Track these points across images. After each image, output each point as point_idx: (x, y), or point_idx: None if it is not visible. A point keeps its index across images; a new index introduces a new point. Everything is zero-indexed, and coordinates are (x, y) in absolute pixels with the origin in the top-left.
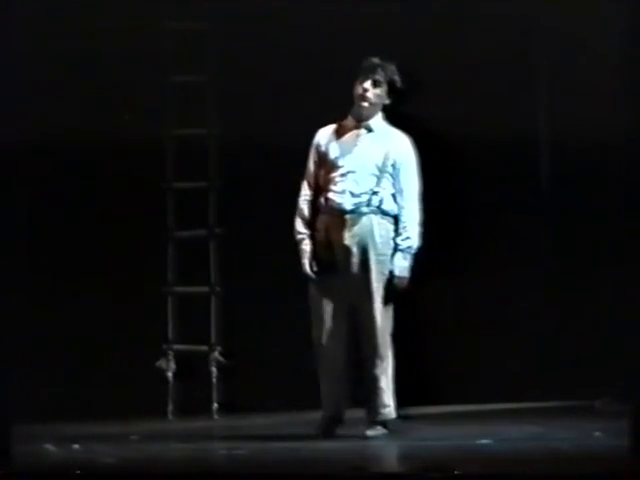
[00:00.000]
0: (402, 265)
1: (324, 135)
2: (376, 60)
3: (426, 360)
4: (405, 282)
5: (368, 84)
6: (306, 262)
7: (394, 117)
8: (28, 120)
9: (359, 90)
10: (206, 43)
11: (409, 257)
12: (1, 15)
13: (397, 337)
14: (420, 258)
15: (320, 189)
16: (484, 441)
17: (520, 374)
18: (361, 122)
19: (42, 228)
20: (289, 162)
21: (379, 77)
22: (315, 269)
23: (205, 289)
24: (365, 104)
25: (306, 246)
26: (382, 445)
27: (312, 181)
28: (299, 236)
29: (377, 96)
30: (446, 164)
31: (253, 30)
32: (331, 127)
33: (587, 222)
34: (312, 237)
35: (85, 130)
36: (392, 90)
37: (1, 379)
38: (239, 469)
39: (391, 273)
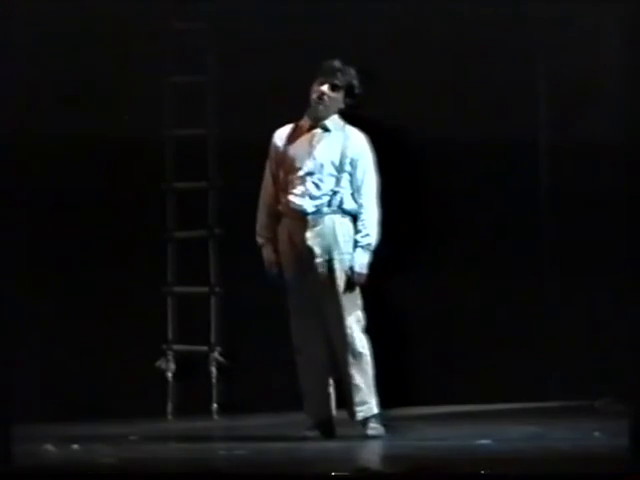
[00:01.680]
0: (362, 261)
1: (281, 136)
2: (336, 63)
3: (426, 360)
4: (364, 278)
5: (326, 87)
6: (270, 265)
7: (350, 117)
8: (28, 120)
9: (317, 92)
10: (206, 43)
11: (368, 253)
12: (1, 14)
13: (396, 337)
14: (413, 256)
15: (280, 191)
16: (484, 441)
17: (520, 374)
18: (317, 122)
19: (42, 228)
20: None
21: (337, 82)
22: (280, 272)
23: (205, 289)
24: (321, 107)
25: (269, 249)
26: (381, 445)
27: (271, 183)
28: (261, 240)
29: (334, 99)
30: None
31: (253, 30)
32: (288, 128)
33: (585, 220)
34: (275, 240)
35: (85, 130)
36: (350, 94)
37: (1, 379)
38: (239, 469)
39: (351, 269)
